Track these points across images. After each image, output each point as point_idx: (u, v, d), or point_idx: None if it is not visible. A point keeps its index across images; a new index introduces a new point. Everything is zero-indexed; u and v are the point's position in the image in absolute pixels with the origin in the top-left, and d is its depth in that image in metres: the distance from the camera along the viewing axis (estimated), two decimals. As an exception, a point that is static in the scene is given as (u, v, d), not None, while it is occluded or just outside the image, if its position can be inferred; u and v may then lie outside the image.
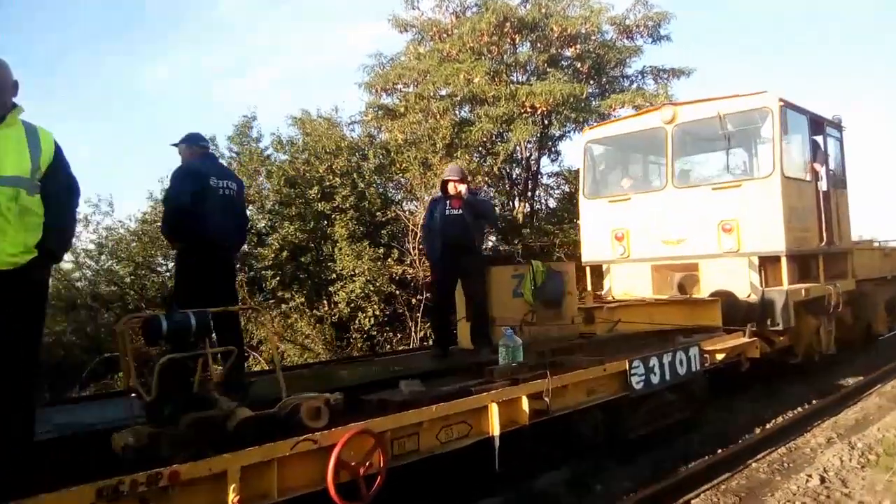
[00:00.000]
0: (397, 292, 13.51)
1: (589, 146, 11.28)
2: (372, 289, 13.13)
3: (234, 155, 15.31)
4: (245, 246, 14.68)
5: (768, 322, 9.02)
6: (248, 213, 15.15)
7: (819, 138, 10.80)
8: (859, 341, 12.69)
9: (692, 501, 6.06)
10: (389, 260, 13.63)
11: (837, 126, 11.60)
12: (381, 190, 15.18)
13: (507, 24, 15.51)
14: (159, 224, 15.26)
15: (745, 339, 8.08)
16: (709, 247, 9.55)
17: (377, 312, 13.20)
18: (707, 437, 8.23)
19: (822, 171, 10.52)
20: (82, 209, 13.71)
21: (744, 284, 9.34)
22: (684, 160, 11.11)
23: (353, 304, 13.23)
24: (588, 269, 11.24)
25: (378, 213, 14.58)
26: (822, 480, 6.36)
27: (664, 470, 6.96)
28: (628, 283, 10.57)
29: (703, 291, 9.62)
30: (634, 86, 17.35)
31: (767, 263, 9.34)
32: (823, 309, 10.06)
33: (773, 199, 9.12)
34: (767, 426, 8.49)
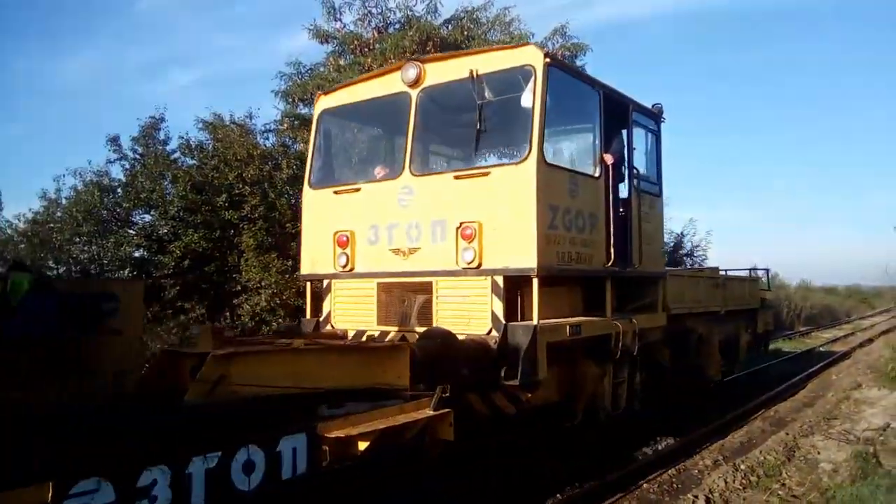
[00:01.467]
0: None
1: (323, 117, 8.53)
2: (278, 302, 12.79)
3: (137, 157, 14.65)
4: (143, 252, 14.08)
5: (503, 374, 6.17)
6: (149, 217, 14.65)
7: (622, 127, 8.35)
8: (686, 391, 10.51)
9: (584, 522, 6.15)
10: (298, 273, 13.32)
11: (653, 115, 9.15)
12: (292, 201, 14.87)
13: (430, 44, 15.61)
14: (52, 225, 14.45)
15: (428, 413, 4.91)
16: (446, 260, 6.86)
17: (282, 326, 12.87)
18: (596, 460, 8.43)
19: (619, 166, 8.06)
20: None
21: (485, 316, 6.68)
22: (433, 137, 8.52)
23: (257, 318, 12.84)
24: (308, 288, 8.56)
25: (288, 225, 14.25)
26: (708, 501, 6.61)
27: (560, 493, 7.07)
28: (353, 308, 7.73)
29: (440, 323, 6.86)
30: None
31: (527, 287, 6.61)
32: (610, 352, 7.54)
33: (525, 194, 6.43)
34: (659, 447, 8.80)
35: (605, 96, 7.80)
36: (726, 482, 7.19)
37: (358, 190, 7.85)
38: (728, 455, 8.59)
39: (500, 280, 6.58)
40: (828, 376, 15.75)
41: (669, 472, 7.78)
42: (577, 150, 8.71)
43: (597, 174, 7.58)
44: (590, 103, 7.76)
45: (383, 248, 7.43)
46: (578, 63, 17.36)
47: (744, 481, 7.26)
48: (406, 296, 7.26)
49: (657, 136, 9.21)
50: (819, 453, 8.50)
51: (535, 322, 6.36)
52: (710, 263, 21.97)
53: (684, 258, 24.16)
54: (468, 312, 6.79)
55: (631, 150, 8.36)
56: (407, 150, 7.43)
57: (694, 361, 10.39)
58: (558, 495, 6.70)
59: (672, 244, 24.10)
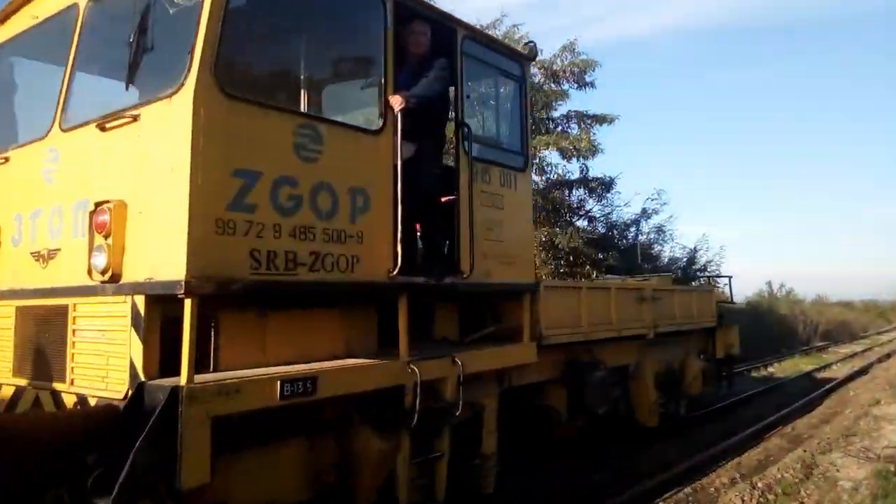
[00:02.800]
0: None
1: None
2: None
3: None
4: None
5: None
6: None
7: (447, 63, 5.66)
8: (603, 443, 8.83)
9: (599, 543, 6.04)
10: None
11: (512, 55, 6.85)
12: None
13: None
14: None
15: None
16: (84, 268, 4.17)
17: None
18: (611, 478, 8.32)
19: (434, 118, 5.71)
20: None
21: (122, 367, 4.01)
22: (108, 69, 5.04)
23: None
24: None
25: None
26: (724, 521, 6.48)
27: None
28: None
29: (77, 377, 4.31)
30: (559, 129, 17.83)
31: (228, 312, 4.23)
32: (402, 415, 4.91)
33: (177, 149, 3.81)
34: (675, 468, 8.65)
35: (399, 5, 5.14)
36: (743, 500, 7.08)
37: (5, 160, 5.20)
38: (745, 473, 8.46)
39: (141, 302, 3.89)
40: (845, 392, 15.52)
41: (685, 490, 7.66)
42: (348, 90, 6.38)
43: (375, 126, 5.00)
44: (365, 14, 5.24)
45: (24, 251, 4.85)
46: (588, 79, 17.34)
47: (761, 500, 7.15)
48: (44, 328, 4.60)
49: (521, 85, 6.80)
50: (838, 471, 8.35)
51: (182, 381, 3.59)
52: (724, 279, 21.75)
53: (697, 273, 24.00)
54: (106, 360, 4.12)
55: (461, 97, 5.80)
56: (62, 92, 4.80)
57: (610, 405, 8.14)
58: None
59: (685, 259, 23.97)
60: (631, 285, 9.62)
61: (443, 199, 5.79)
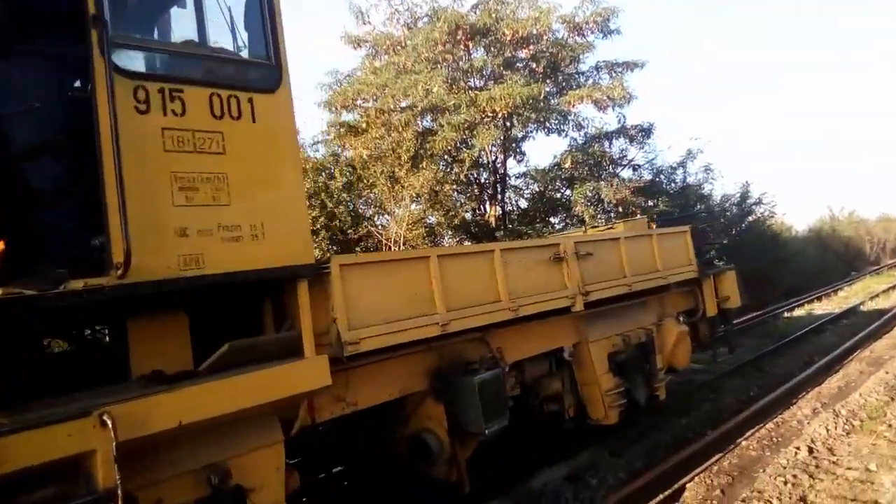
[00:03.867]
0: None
1: None
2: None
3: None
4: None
5: None
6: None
7: None
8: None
9: (687, 486, 6.12)
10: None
11: None
12: (350, 207, 15.13)
13: (460, 32, 15.61)
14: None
15: None
16: None
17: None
18: (697, 420, 8.35)
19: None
20: None
21: None
22: None
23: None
24: None
25: (350, 231, 14.53)
26: (811, 451, 6.46)
27: (657, 457, 7.04)
28: None
29: None
30: (590, 81, 17.55)
31: None
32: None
33: None
34: (755, 404, 8.59)
35: None
36: (828, 430, 7.00)
37: None
38: (827, 401, 8.37)
39: None
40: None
41: (767, 426, 7.64)
42: None
43: None
44: None
45: None
46: (612, 26, 16.97)
47: (846, 427, 7.06)
48: None
49: None
50: (924, 388, 8.16)
51: None
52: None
53: (753, 206, 23.43)
54: None
55: None
56: None
57: (530, 409, 6.67)
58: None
59: (739, 194, 23.44)
60: (533, 243, 7.57)
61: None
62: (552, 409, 6.89)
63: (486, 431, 5.18)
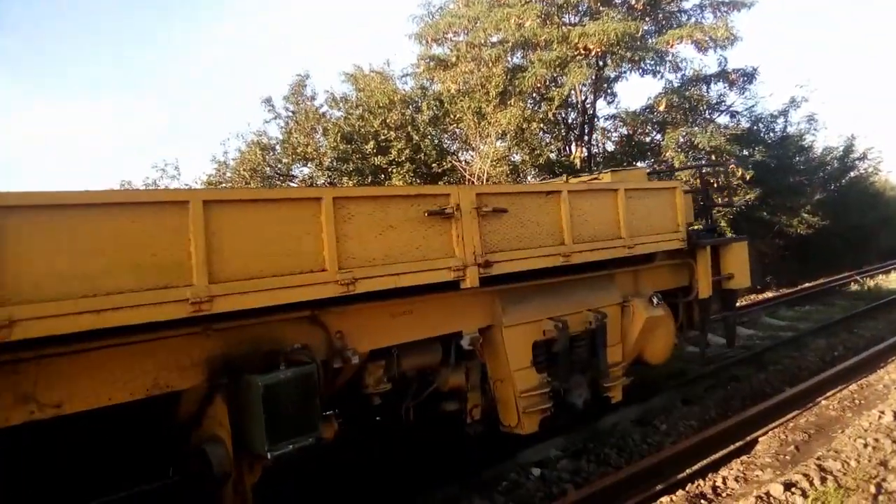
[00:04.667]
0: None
1: None
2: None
3: (290, 114, 15.54)
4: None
5: None
6: (307, 169, 15.59)
7: None
8: None
9: (760, 439, 6.10)
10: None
11: None
12: (435, 141, 15.18)
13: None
14: (223, 185, 15.80)
15: None
16: None
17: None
18: (775, 376, 8.22)
19: None
20: (150, 174, 14.01)
21: None
22: None
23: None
24: None
25: (434, 165, 14.64)
26: (896, 416, 6.27)
27: (732, 409, 7.02)
28: None
29: None
30: (692, 20, 16.66)
31: None
32: None
33: None
34: (838, 365, 8.35)
35: None
36: (917, 395, 6.75)
37: None
38: (917, 368, 8.03)
39: None
40: None
41: (850, 387, 7.44)
42: None
43: None
44: None
45: None
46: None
47: (937, 394, 6.79)
48: None
49: None
50: None
51: None
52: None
53: (856, 161, 22.05)
54: None
55: None
56: None
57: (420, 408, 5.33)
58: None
59: (842, 147, 22.11)
60: (399, 191, 5.99)
61: None
62: (450, 408, 5.51)
63: (269, 455, 3.71)
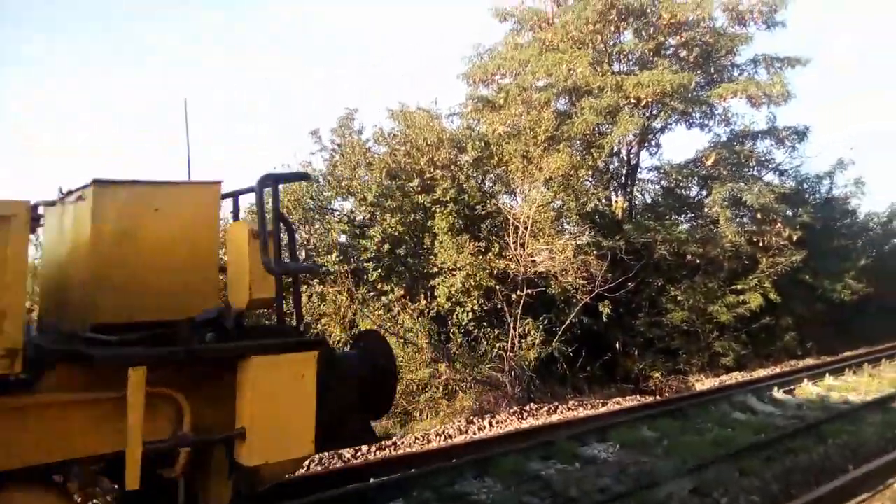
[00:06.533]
0: (497, 287, 13.42)
1: None
2: (472, 283, 13.06)
3: (336, 147, 15.59)
4: (345, 237, 15.01)
5: None
6: (348, 204, 15.42)
7: None
8: None
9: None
10: (490, 254, 13.53)
11: None
12: (479, 182, 15.09)
13: (613, 11, 15.05)
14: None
15: None
16: None
17: (475, 307, 13.13)
18: (834, 451, 7.83)
19: None
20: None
21: None
22: None
23: (452, 299, 13.21)
24: None
25: (477, 207, 14.50)
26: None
27: (793, 483, 6.65)
28: None
29: None
30: (744, 75, 16.56)
31: None
32: None
33: None
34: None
35: None
36: None
37: None
38: None
39: None
40: None
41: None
42: None
43: None
44: None
45: None
46: (777, 18, 15.88)
47: None
48: None
49: None
50: None
51: None
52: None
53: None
54: None
55: None
56: None
57: None
58: None
59: (887, 213, 21.63)
60: None
61: None
62: None
63: None
